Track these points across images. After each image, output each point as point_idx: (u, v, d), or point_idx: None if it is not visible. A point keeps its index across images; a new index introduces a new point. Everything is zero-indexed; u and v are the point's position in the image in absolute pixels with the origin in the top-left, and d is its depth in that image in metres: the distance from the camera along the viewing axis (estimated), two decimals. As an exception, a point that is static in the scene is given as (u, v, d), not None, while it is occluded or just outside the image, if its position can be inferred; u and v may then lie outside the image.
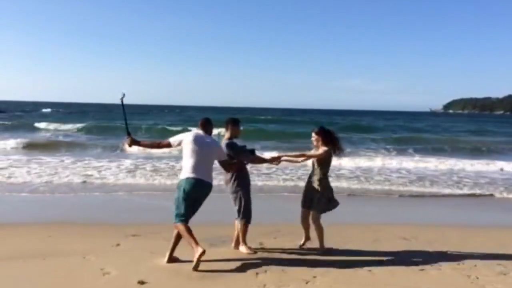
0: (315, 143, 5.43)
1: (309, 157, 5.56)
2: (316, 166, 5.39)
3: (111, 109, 65.20)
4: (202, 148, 4.83)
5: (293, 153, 6.05)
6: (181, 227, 4.67)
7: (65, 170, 11.89)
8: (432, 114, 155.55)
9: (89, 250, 5.18)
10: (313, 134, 5.43)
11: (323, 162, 5.36)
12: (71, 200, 8.54)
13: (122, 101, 4.97)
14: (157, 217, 7.12)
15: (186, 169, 4.81)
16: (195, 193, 4.74)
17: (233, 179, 5.24)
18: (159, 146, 5.12)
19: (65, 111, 62.95)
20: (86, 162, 13.44)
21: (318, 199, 5.33)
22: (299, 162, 5.92)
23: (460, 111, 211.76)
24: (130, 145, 4.98)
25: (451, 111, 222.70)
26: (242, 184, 5.24)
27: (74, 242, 5.59)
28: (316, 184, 5.34)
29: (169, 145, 4.98)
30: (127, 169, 12.20)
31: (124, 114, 5.07)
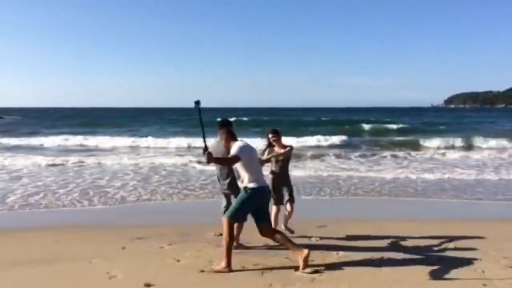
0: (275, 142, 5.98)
1: (280, 155, 5.96)
2: (284, 162, 6.01)
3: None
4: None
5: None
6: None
7: (79, 175, 11.92)
8: (434, 109, 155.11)
9: (95, 254, 5.20)
10: (271, 135, 5.99)
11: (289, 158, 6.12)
12: (78, 204, 8.53)
13: (199, 110, 4.61)
14: (162, 219, 7.14)
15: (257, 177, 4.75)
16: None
17: None
18: (229, 162, 4.83)
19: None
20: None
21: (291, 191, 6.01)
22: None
23: (461, 106, 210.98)
24: (208, 162, 4.56)
25: (452, 105, 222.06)
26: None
27: (80, 246, 5.61)
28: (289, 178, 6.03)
29: (237, 159, 4.67)
30: (140, 174, 12.21)
31: (202, 126, 4.56)
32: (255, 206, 4.73)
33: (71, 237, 6.07)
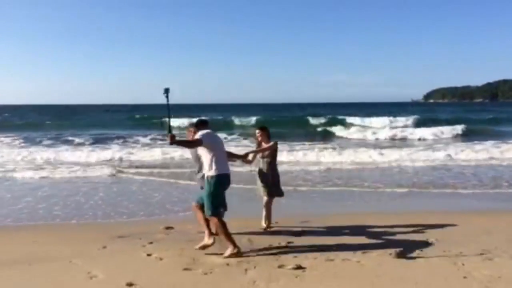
0: (259, 138, 6.13)
1: (261, 151, 6.10)
2: (265, 158, 6.09)
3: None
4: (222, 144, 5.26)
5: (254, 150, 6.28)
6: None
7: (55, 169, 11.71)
8: (415, 104, 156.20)
9: (75, 254, 5.10)
10: (258, 131, 6.16)
11: (273, 153, 6.14)
12: (56, 200, 8.36)
13: (167, 97, 4.89)
14: (143, 217, 7.06)
15: (221, 165, 4.97)
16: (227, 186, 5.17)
17: None
18: (192, 144, 5.15)
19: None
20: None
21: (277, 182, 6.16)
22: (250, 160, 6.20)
23: (440, 101, 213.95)
24: (171, 143, 4.85)
25: (431, 100, 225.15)
26: None
27: (59, 246, 5.50)
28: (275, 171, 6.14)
29: (200, 143, 4.92)
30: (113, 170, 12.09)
31: (168, 111, 4.93)
32: (223, 191, 5.02)
33: (50, 237, 5.95)
